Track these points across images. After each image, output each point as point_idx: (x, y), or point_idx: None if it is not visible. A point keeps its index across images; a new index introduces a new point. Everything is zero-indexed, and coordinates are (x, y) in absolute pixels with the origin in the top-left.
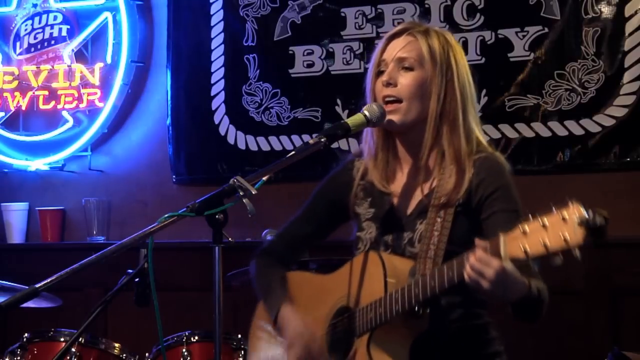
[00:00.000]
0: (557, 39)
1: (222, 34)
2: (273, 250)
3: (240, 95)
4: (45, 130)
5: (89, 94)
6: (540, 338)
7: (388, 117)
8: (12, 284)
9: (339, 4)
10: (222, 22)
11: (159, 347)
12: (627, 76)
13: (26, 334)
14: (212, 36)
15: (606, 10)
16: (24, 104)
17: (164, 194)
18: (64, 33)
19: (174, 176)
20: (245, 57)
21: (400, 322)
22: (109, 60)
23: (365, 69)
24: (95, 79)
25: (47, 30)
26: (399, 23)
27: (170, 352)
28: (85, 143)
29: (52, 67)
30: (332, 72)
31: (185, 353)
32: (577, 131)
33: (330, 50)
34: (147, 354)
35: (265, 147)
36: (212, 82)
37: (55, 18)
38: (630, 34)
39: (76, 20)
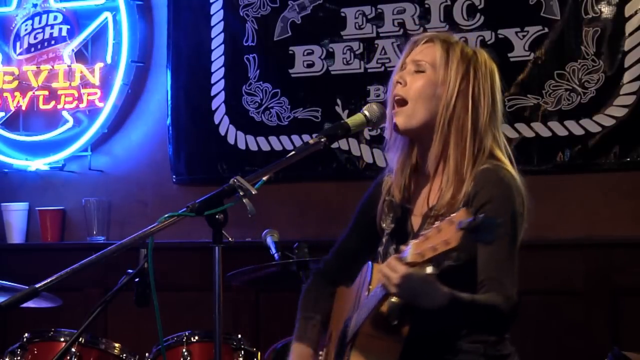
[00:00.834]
0: (557, 39)
1: (222, 34)
2: (328, 273)
3: (240, 95)
4: (45, 130)
5: (89, 94)
6: (540, 338)
7: (394, 119)
8: (12, 284)
9: (339, 4)
10: (222, 22)
11: (159, 347)
12: (627, 76)
13: (26, 334)
14: (212, 36)
15: (606, 10)
16: (24, 104)
17: (164, 194)
18: (64, 33)
19: (174, 176)
20: (245, 57)
21: (374, 331)
22: (109, 60)
23: (366, 69)
24: (95, 79)
25: (47, 30)
26: (399, 23)
27: (170, 352)
28: (85, 143)
29: (52, 67)
30: (332, 72)
31: (185, 353)
32: (577, 131)
33: (330, 50)
34: (147, 354)
35: (265, 147)
36: (212, 82)
37: (55, 18)
38: (630, 34)
39: (76, 20)
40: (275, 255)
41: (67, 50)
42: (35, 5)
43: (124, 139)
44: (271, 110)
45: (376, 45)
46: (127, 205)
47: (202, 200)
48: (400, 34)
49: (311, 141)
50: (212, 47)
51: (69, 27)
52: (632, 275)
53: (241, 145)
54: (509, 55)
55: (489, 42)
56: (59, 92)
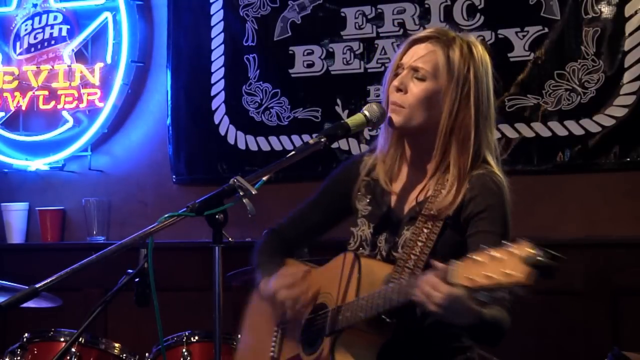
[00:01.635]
0: (557, 39)
1: (222, 34)
2: (283, 233)
3: (240, 95)
4: (45, 130)
5: (89, 94)
6: (540, 338)
7: (389, 114)
8: (12, 284)
9: (339, 4)
10: (222, 22)
11: (159, 347)
12: (627, 76)
13: (26, 334)
14: (212, 36)
15: (606, 10)
16: (24, 104)
17: (164, 194)
18: (64, 33)
19: (174, 176)
20: (245, 57)
21: (366, 327)
22: (109, 60)
23: (366, 69)
24: (95, 79)
25: (47, 30)
26: (399, 23)
27: (170, 352)
28: (85, 143)
29: (52, 67)
30: (332, 72)
31: (185, 353)
32: (577, 131)
33: (330, 50)
34: (147, 354)
35: (265, 147)
36: (212, 82)
37: (55, 18)
38: (630, 34)
39: (76, 20)
40: None
41: (67, 50)
42: (35, 5)
43: (124, 139)
44: (271, 110)
45: (376, 45)
46: (127, 206)
47: (202, 200)
48: (400, 34)
49: (311, 141)
50: (212, 47)
51: (69, 27)
52: (632, 275)
53: (241, 145)
54: (509, 55)
55: (489, 42)
56: (59, 92)
